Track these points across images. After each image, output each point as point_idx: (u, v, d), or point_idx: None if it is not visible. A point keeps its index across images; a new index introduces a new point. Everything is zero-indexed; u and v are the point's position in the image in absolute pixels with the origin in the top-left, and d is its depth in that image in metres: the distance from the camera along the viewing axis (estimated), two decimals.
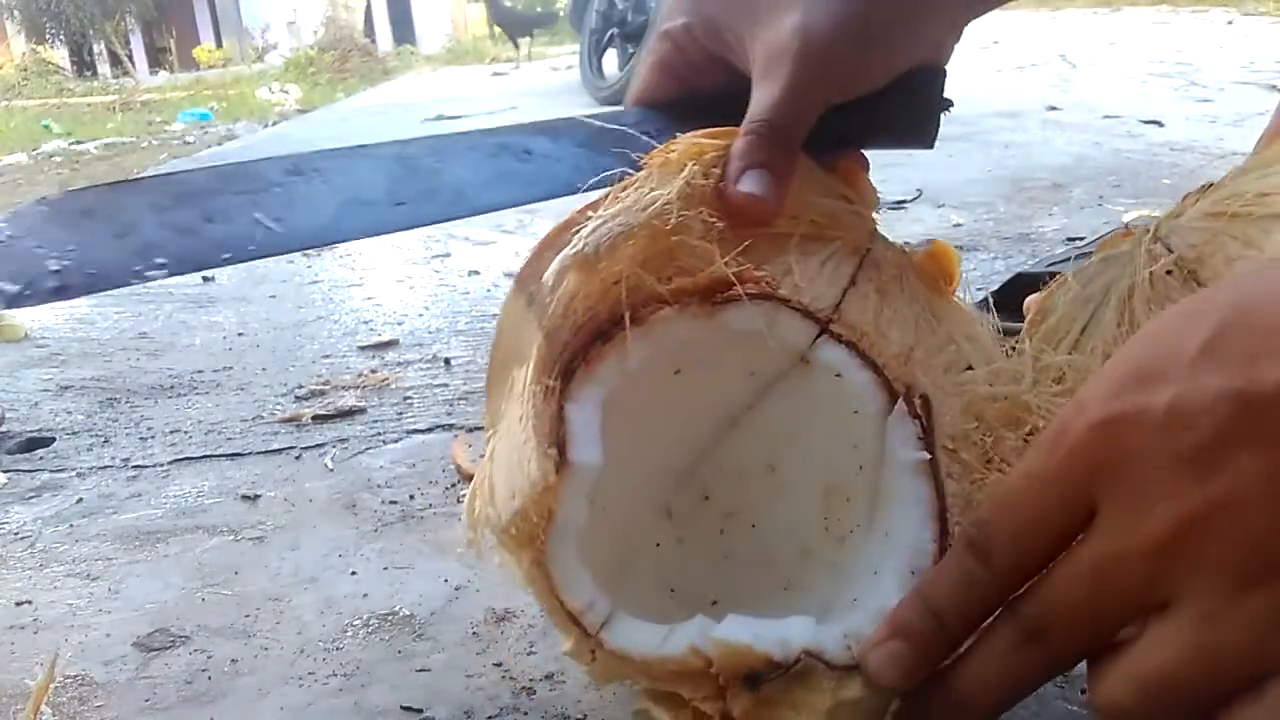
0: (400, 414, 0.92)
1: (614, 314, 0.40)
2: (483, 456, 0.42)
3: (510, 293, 0.41)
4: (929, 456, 0.41)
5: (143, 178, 0.49)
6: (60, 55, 12.61)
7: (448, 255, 1.53)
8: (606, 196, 0.41)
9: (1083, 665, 0.33)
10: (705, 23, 0.48)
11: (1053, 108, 2.64)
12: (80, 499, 0.79)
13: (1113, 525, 0.29)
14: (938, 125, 0.52)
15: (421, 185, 0.45)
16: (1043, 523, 0.31)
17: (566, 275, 0.38)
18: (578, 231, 0.39)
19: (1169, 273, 0.44)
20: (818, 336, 0.44)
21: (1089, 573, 0.29)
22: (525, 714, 0.50)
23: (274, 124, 4.19)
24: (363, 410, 0.93)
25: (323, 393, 0.98)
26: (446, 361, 1.05)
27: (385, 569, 0.66)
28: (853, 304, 0.44)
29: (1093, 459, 0.29)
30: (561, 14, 4.03)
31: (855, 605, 0.40)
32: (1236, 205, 0.42)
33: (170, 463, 0.85)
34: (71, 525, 0.75)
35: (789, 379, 0.46)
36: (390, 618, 0.60)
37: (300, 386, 1.00)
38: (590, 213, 0.40)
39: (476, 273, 1.41)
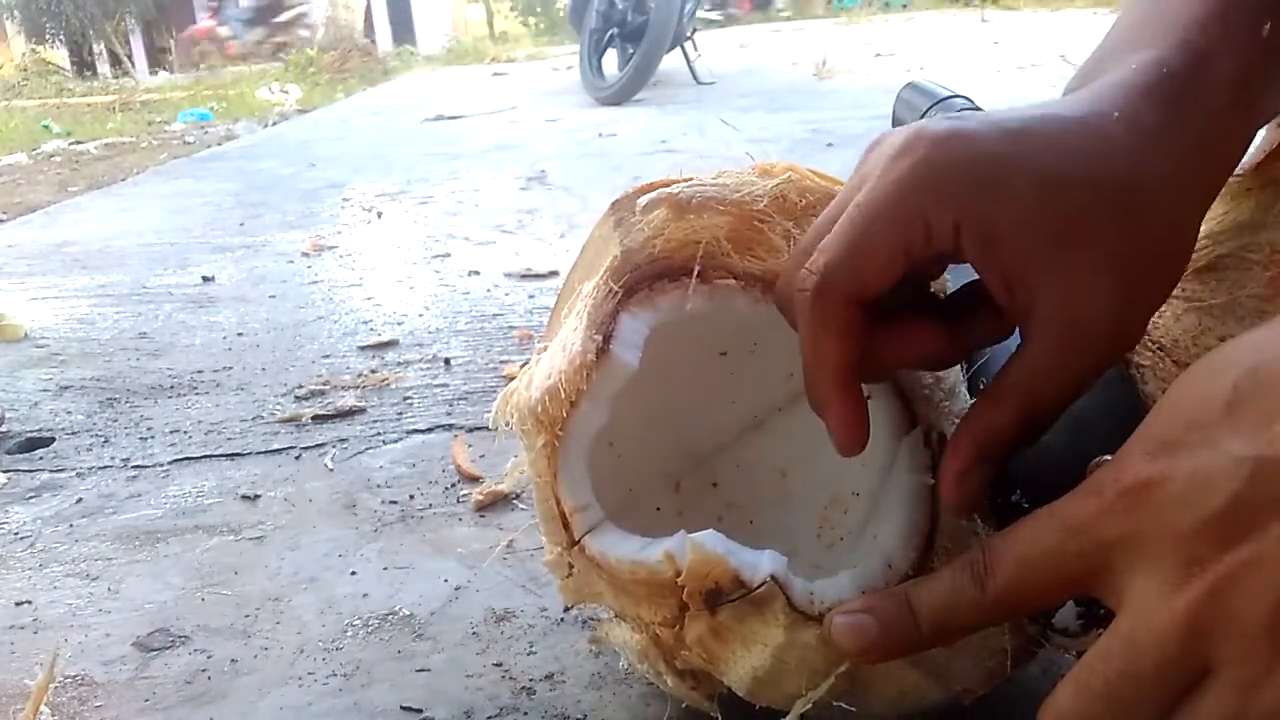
0: (400, 414, 0.92)
1: (686, 265, 0.44)
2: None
3: (603, 215, 0.45)
4: (932, 482, 0.42)
5: None
6: (60, 55, 12.60)
7: (448, 255, 1.52)
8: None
9: None
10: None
11: None
12: (80, 499, 0.79)
13: (1142, 598, 0.28)
14: None
15: None
16: (1053, 563, 0.31)
17: (657, 207, 0.43)
18: (675, 185, 0.44)
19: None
20: None
21: (1122, 649, 0.28)
22: (525, 714, 0.50)
23: (274, 124, 4.19)
24: (363, 410, 0.93)
25: (323, 393, 0.98)
26: (446, 361, 1.05)
27: (385, 569, 0.66)
28: None
29: (1119, 525, 0.29)
30: None
31: (827, 573, 0.41)
32: None
33: (170, 463, 0.85)
34: (71, 525, 0.75)
35: None
36: (390, 618, 0.60)
37: (300, 386, 1.00)
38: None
39: (476, 273, 1.41)
